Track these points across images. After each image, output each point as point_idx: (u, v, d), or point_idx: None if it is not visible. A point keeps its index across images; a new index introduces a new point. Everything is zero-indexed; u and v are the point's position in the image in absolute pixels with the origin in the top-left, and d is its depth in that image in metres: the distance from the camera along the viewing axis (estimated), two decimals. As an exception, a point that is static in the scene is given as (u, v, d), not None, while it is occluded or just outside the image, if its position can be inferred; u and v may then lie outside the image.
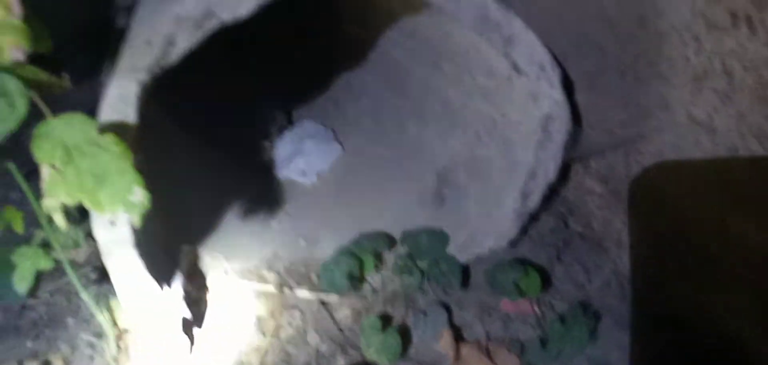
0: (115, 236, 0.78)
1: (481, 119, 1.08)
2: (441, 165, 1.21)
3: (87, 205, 0.68)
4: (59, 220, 0.69)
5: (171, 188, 1.10)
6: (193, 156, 1.32)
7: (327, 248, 1.12)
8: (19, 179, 0.74)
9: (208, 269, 1.03)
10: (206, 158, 1.36)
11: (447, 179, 1.20)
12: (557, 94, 0.84)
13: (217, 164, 1.36)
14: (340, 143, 1.45)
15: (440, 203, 1.21)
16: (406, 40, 1.23)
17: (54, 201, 0.67)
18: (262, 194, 1.32)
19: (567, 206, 1.24)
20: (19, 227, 0.80)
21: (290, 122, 1.58)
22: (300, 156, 1.41)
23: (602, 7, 0.92)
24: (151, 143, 1.02)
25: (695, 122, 0.88)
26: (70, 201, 0.67)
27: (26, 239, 0.84)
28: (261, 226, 1.20)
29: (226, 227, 1.16)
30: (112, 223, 0.76)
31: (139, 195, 0.69)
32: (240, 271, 1.06)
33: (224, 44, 0.94)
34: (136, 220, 0.70)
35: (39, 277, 0.99)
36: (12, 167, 0.75)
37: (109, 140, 0.70)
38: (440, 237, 1.09)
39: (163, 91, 0.89)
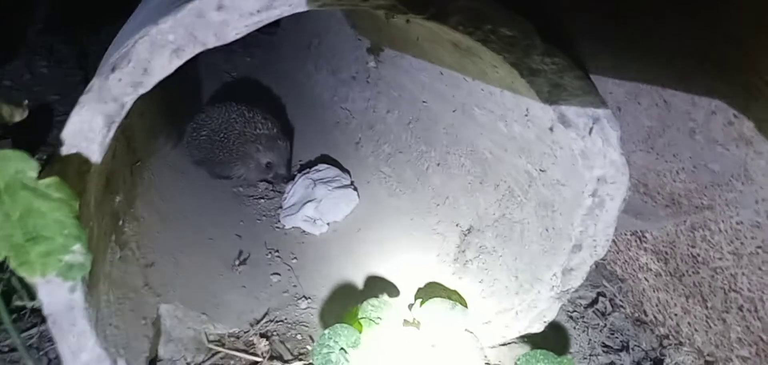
0: (63, 300, 0.64)
1: (515, 175, 0.92)
2: (466, 224, 1.05)
3: (13, 266, 0.54)
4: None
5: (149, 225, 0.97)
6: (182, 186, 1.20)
7: (332, 310, 0.98)
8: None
9: (185, 332, 0.88)
10: (195, 191, 1.23)
11: (472, 240, 1.03)
12: (614, 154, 0.68)
13: (209, 202, 1.23)
14: (357, 191, 1.30)
15: (463, 266, 1.04)
16: (433, 82, 1.09)
17: (-30, 258, 0.53)
18: (263, 242, 1.17)
19: (614, 281, 1.05)
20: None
21: (306, 163, 1.45)
22: (311, 202, 1.26)
23: (668, 48, 0.75)
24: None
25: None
26: (-8, 259, 0.54)
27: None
28: (257, 281, 1.06)
29: (213, 278, 1.02)
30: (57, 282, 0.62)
31: (80, 255, 0.56)
32: (224, 336, 0.91)
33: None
34: (75, 286, 0.57)
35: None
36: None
37: (51, 184, 0.57)
38: (461, 312, 0.91)
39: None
